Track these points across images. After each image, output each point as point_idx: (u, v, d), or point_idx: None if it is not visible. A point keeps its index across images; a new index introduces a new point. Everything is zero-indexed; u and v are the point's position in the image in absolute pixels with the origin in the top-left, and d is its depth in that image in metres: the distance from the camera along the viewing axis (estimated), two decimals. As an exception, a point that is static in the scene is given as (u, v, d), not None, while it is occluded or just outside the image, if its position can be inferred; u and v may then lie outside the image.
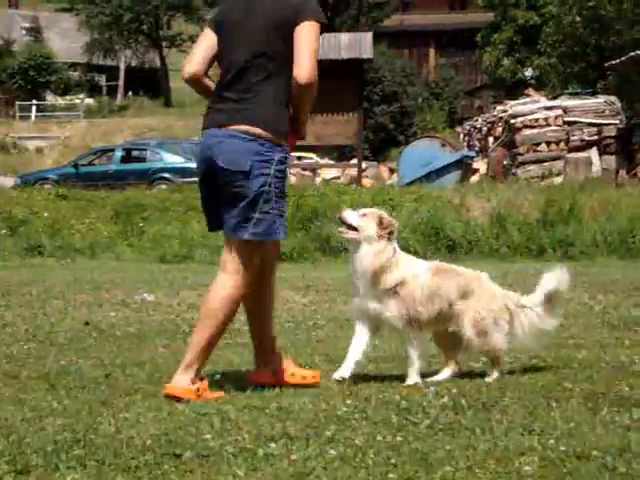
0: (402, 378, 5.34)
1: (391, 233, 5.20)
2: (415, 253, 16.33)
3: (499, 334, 5.38)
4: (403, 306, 5.17)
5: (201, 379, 4.95)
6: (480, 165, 28.15)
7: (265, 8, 5.02)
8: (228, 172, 4.90)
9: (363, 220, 5.19)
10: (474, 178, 26.41)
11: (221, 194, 4.99)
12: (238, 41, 5.03)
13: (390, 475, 3.55)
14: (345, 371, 5.19)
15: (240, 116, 4.94)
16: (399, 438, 3.99)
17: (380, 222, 5.18)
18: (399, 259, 5.24)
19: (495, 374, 5.40)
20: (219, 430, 4.15)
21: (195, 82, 5.19)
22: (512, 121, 26.14)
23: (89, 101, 61.09)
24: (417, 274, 5.25)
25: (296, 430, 4.12)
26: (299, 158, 32.78)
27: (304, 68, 4.89)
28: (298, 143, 5.28)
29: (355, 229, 5.18)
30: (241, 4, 5.11)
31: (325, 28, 5.01)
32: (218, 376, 5.50)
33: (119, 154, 29.62)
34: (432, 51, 56.64)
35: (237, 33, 5.04)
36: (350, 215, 5.23)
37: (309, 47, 4.93)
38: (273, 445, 3.89)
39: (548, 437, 3.97)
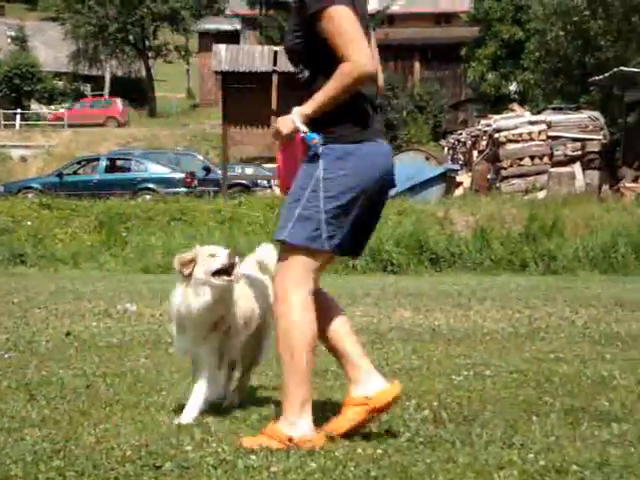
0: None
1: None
2: (398, 266, 16.58)
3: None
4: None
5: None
6: (464, 179, 28.24)
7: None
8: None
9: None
10: (458, 192, 26.50)
11: (372, 216, 4.36)
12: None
13: (370, 488, 3.55)
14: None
15: (384, 134, 4.45)
16: (379, 451, 3.98)
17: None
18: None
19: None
20: (199, 441, 4.14)
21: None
22: (496, 135, 26.25)
23: (74, 110, 60.93)
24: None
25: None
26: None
27: None
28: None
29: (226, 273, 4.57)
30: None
31: None
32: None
33: (103, 164, 29.63)
34: (417, 64, 56.77)
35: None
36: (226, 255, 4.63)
37: None
38: (253, 457, 3.88)
39: (528, 451, 3.98)
